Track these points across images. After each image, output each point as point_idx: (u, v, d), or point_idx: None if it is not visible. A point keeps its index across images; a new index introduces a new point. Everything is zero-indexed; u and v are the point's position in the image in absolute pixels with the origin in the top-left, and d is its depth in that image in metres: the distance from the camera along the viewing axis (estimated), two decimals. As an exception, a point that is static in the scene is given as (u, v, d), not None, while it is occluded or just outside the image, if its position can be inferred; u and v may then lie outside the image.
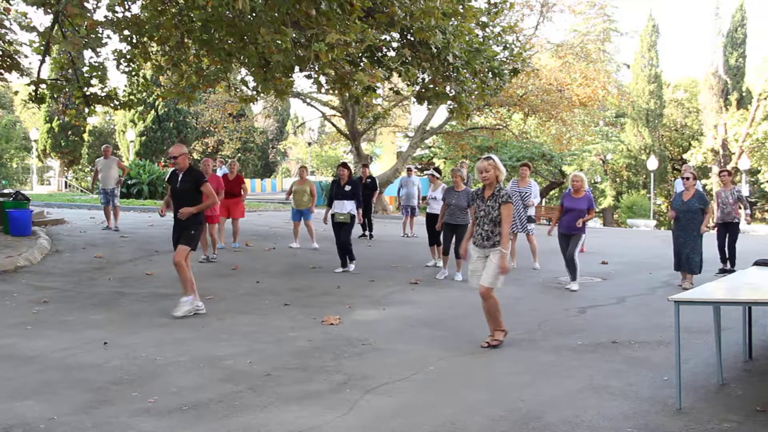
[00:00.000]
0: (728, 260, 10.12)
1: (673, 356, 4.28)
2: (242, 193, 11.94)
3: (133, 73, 11.62)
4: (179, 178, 6.77)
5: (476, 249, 5.72)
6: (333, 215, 9.82)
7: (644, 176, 35.96)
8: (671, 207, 9.04)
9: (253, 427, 3.83)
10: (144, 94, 12.98)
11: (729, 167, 31.06)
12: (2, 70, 11.40)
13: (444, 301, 7.79)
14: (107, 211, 13.57)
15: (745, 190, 30.77)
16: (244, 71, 13.36)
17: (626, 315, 7.10)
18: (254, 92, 11.75)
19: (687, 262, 8.70)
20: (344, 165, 10.22)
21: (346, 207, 9.76)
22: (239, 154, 38.39)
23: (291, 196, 12.07)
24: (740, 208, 10.17)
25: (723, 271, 9.88)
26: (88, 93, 11.22)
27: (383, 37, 9.72)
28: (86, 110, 11.96)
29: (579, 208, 8.40)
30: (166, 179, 7.85)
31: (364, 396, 4.38)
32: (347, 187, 9.80)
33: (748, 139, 32.18)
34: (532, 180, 10.72)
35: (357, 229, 13.48)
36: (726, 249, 10.14)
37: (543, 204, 29.25)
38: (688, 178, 8.79)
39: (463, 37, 9.64)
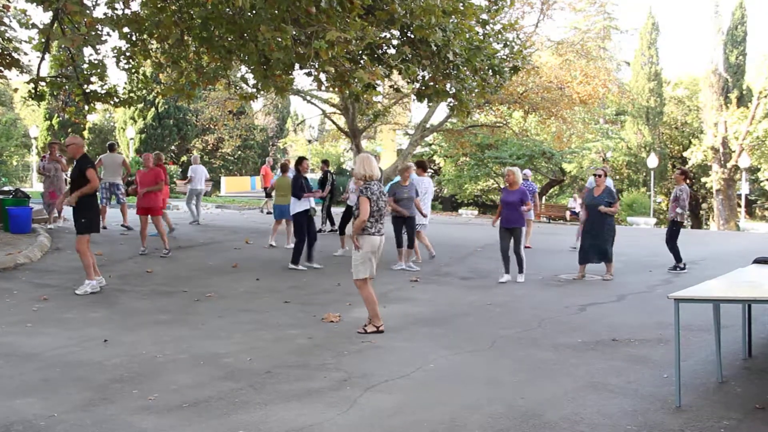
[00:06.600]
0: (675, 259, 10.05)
1: (673, 354, 4.28)
2: None
3: (133, 71, 11.58)
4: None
5: None
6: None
7: (644, 174, 35.84)
8: (583, 204, 9.68)
9: (253, 424, 3.84)
10: (144, 91, 12.95)
11: (729, 165, 31.07)
12: (2, 68, 11.37)
13: (443, 299, 7.79)
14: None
15: (745, 188, 30.77)
16: (244, 69, 13.31)
17: (626, 313, 7.11)
18: (254, 90, 11.71)
19: (598, 252, 9.14)
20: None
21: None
22: (239, 152, 38.32)
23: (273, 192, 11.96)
24: (677, 207, 9.91)
25: (675, 268, 9.94)
26: (87, 90, 11.18)
27: (383, 34, 9.68)
28: (86, 107, 11.94)
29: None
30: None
31: (364, 393, 4.39)
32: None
33: (748, 137, 32.08)
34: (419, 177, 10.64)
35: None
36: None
37: (543, 201, 29.18)
38: (599, 175, 9.30)
39: (463, 34, 9.62)
